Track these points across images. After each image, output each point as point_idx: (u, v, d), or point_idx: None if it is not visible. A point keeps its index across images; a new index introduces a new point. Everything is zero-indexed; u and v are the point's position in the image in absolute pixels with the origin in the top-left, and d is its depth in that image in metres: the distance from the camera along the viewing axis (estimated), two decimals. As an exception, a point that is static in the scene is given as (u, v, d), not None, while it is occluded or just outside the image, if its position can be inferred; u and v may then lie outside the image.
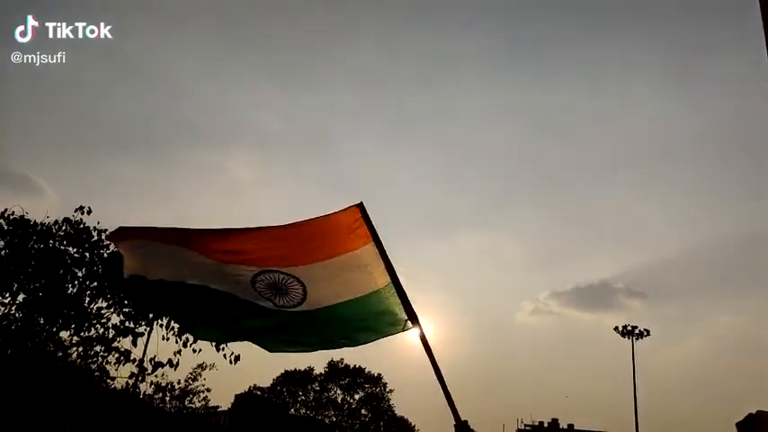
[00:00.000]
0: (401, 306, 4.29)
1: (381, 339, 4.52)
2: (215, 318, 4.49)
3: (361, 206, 4.21)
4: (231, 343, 4.58)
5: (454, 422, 3.49)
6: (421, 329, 4.12)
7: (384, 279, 4.35)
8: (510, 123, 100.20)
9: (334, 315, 4.47)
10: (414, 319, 4.20)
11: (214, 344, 4.26)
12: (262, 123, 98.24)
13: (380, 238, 4.32)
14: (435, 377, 3.79)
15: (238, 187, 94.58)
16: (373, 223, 4.32)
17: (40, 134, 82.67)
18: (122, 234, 4.34)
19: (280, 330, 4.57)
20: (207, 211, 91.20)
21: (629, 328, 40.90)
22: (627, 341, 40.47)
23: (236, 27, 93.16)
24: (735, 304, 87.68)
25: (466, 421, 3.42)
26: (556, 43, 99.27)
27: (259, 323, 4.51)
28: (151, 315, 3.96)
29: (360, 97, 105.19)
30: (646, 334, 40.69)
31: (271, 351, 4.60)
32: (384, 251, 4.32)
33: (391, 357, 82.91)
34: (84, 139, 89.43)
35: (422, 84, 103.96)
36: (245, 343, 4.63)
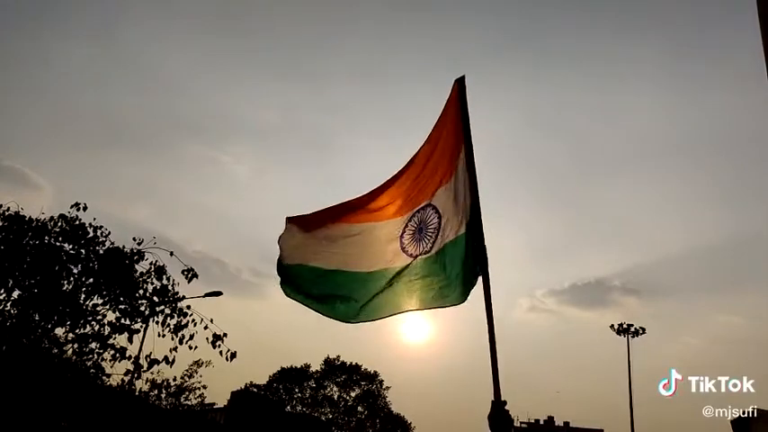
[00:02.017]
0: (475, 250, 3.79)
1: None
2: (352, 297, 4.44)
3: (460, 82, 3.72)
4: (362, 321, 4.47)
5: (493, 398, 3.29)
6: (487, 281, 3.66)
7: (466, 214, 3.89)
8: (507, 120, 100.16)
9: (453, 254, 4.05)
10: (484, 267, 3.75)
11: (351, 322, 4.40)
12: (258, 118, 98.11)
13: (471, 132, 3.62)
14: (488, 342, 3.39)
15: (234, 182, 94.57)
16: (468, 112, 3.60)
17: (37, 129, 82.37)
18: (293, 221, 4.60)
19: (400, 289, 4.31)
20: (202, 205, 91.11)
21: (624, 326, 41.03)
22: (623, 339, 40.63)
23: (232, 21, 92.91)
24: (730, 303, 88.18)
25: (505, 401, 3.27)
26: (554, 38, 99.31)
27: (385, 284, 4.31)
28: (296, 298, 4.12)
29: (358, 92, 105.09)
30: (641, 332, 40.83)
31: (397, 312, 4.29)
32: (472, 161, 3.73)
33: (388, 355, 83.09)
34: (81, 133, 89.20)
35: (419, 79, 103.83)
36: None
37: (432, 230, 4.20)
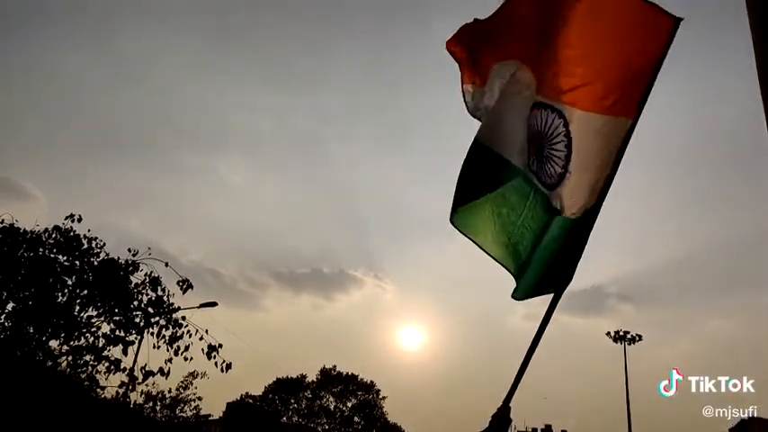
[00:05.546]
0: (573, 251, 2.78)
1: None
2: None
3: (676, 23, 2.50)
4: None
5: (502, 403, 3.28)
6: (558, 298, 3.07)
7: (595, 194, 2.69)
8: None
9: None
10: (566, 282, 2.94)
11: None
12: (252, 125, 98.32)
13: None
14: (524, 356, 3.12)
15: (228, 189, 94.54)
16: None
17: (30, 139, 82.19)
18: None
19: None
20: (197, 213, 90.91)
21: (621, 333, 41.06)
22: (619, 346, 40.65)
23: (226, 29, 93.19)
24: (723, 307, 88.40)
25: (509, 408, 3.30)
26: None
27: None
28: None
29: (350, 98, 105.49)
30: (638, 339, 40.85)
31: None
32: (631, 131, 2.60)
33: (385, 364, 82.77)
34: (74, 143, 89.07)
35: (413, 84, 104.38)
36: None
37: (557, 161, 2.69)
